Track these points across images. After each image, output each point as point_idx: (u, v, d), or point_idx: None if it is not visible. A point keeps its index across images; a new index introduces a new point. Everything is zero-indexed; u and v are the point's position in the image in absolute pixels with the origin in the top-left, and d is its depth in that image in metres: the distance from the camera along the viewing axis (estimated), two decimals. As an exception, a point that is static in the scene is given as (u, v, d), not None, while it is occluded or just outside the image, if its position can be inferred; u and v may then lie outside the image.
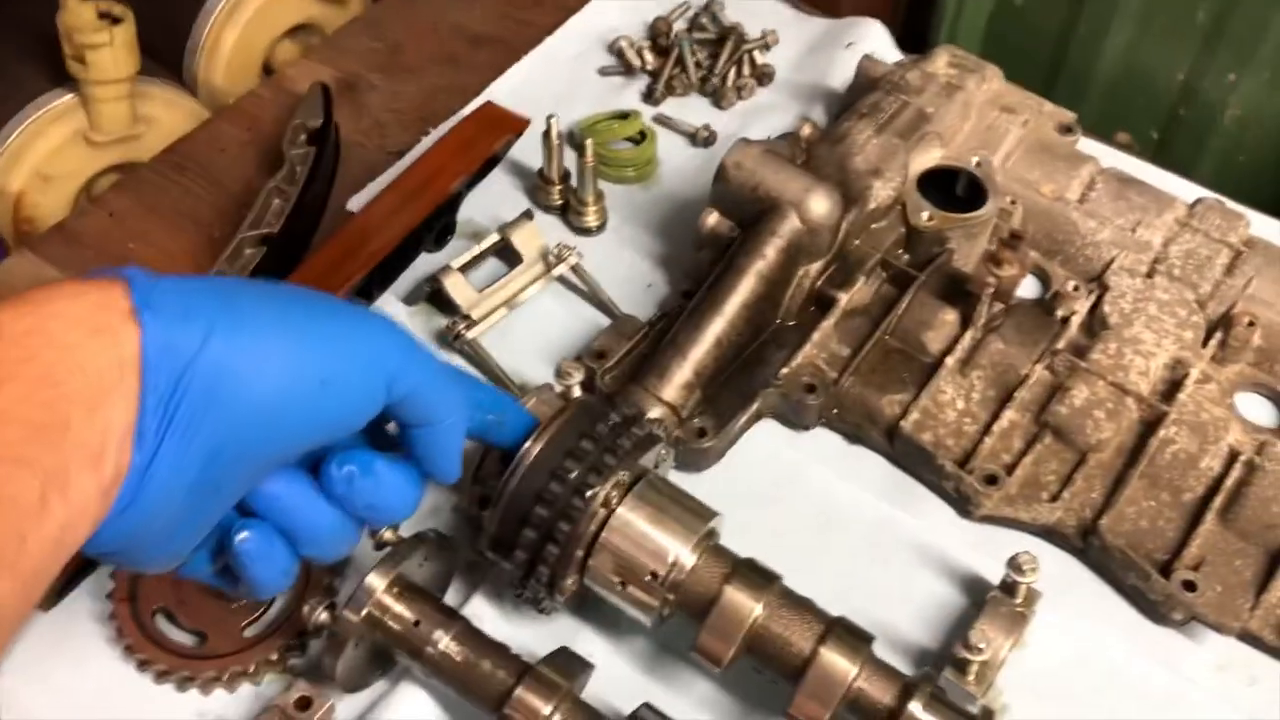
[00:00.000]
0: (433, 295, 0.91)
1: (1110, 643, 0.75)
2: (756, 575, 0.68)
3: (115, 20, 1.10)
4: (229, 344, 0.52)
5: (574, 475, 0.67)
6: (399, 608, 0.67)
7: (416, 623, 0.67)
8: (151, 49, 1.18)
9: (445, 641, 0.67)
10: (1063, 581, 0.78)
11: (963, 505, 0.80)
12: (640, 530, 0.68)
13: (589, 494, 0.66)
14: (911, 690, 0.64)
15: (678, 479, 0.78)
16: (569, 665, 0.68)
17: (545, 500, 0.67)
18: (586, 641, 0.74)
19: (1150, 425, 0.80)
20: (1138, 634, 0.76)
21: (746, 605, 0.66)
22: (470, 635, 0.68)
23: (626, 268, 0.95)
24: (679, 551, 0.68)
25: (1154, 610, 0.76)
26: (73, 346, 0.49)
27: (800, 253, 0.84)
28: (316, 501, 0.60)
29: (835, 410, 0.84)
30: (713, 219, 0.88)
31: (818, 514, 0.81)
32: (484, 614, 0.74)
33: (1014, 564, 0.72)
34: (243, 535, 0.58)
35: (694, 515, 0.69)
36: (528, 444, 0.68)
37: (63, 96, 1.14)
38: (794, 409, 0.84)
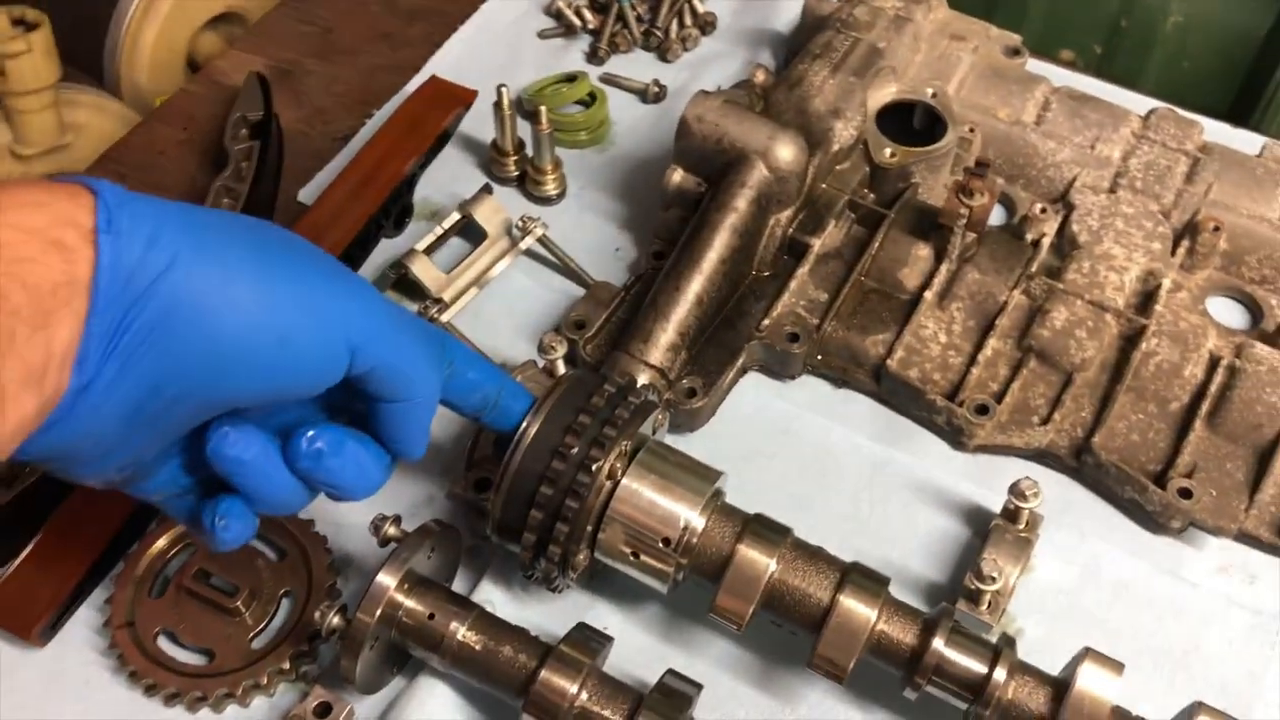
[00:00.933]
0: (399, 281, 0.89)
1: (1113, 557, 0.76)
2: (768, 530, 0.68)
3: (31, 26, 1.05)
4: (188, 282, 0.50)
5: (576, 451, 0.66)
6: (412, 603, 0.66)
7: (431, 616, 0.66)
8: (69, 54, 1.14)
9: (462, 632, 0.66)
10: (1062, 503, 0.79)
11: (955, 438, 0.81)
12: (648, 499, 0.67)
13: (594, 468, 0.66)
14: (933, 627, 0.65)
15: (671, 442, 0.77)
16: (589, 641, 0.67)
17: (550, 479, 0.66)
18: (602, 614, 0.73)
19: (1131, 339, 0.81)
20: (1140, 545, 0.77)
21: (761, 561, 0.66)
22: (487, 622, 0.67)
23: (592, 234, 0.94)
24: (688, 515, 0.67)
25: (1152, 521, 0.77)
26: (25, 260, 0.46)
27: (771, 202, 0.84)
28: (280, 472, 0.58)
29: (820, 356, 0.84)
30: (678, 176, 0.87)
31: (813, 461, 0.81)
32: (495, 598, 0.73)
33: (1016, 490, 0.72)
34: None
35: (699, 477, 0.68)
36: (525, 424, 0.67)
37: (-17, 111, 1.09)
38: (779, 359, 0.83)
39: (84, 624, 0.73)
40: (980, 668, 0.64)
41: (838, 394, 0.85)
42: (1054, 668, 0.65)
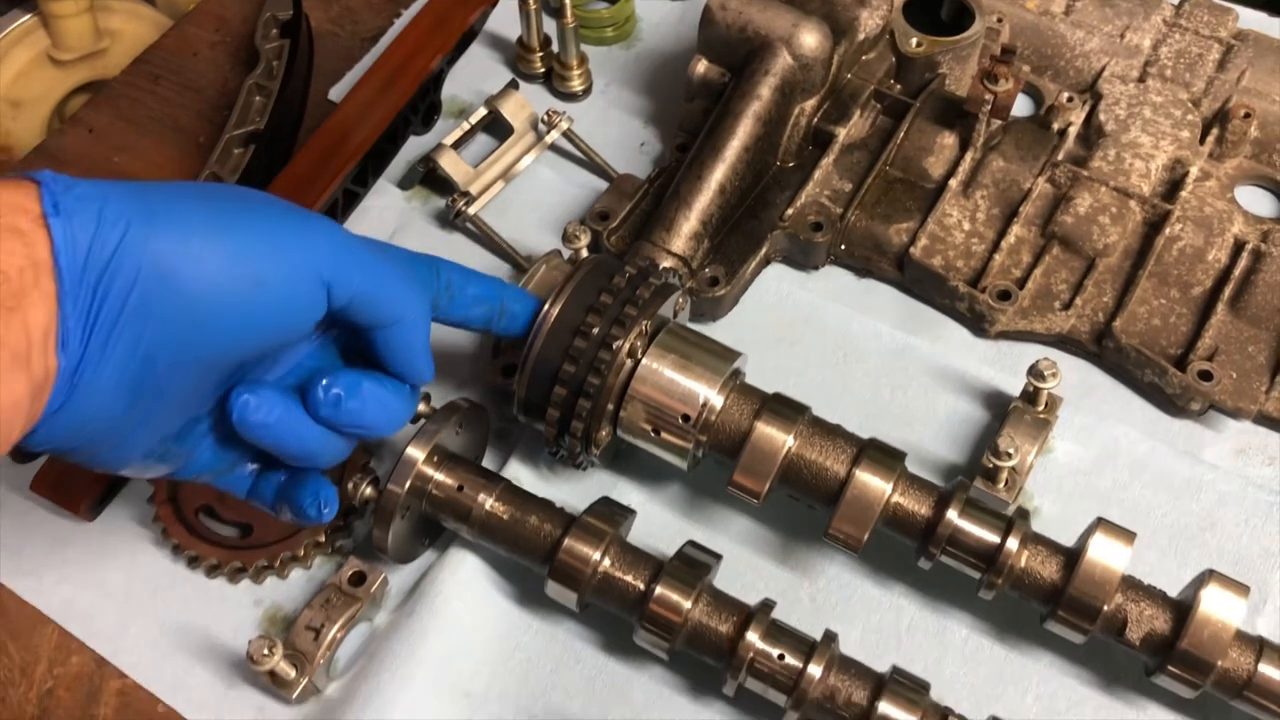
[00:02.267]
0: (427, 176, 0.90)
1: (1133, 439, 0.77)
2: (786, 408, 0.69)
3: (63, -67, 1.07)
4: (149, 247, 0.51)
5: (597, 330, 0.67)
6: (440, 475, 0.68)
7: (460, 487, 0.68)
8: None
9: (490, 502, 0.68)
10: (1082, 387, 0.79)
11: (978, 324, 0.81)
12: (668, 377, 0.68)
13: (614, 345, 0.67)
14: (947, 499, 0.66)
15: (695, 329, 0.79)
16: (612, 513, 0.69)
17: (572, 357, 0.67)
18: (625, 493, 0.75)
19: (1155, 225, 0.81)
20: (1158, 428, 0.77)
21: (779, 437, 0.68)
22: (514, 494, 0.69)
23: (617, 129, 0.94)
24: (707, 393, 0.68)
25: (1172, 404, 0.77)
26: None
27: (795, 90, 0.84)
28: (308, 427, 0.60)
29: (843, 246, 0.84)
30: (702, 66, 0.87)
31: (836, 349, 0.82)
32: (522, 476, 0.75)
33: (1034, 371, 0.73)
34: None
35: (718, 357, 0.70)
36: (547, 305, 0.69)
37: (21, 18, 1.11)
38: (802, 249, 0.84)
39: (130, 500, 0.76)
40: (993, 538, 0.65)
41: (861, 284, 0.85)
42: (1069, 543, 0.66)
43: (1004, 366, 0.80)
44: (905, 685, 0.63)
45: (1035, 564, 0.65)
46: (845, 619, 0.70)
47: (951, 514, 0.65)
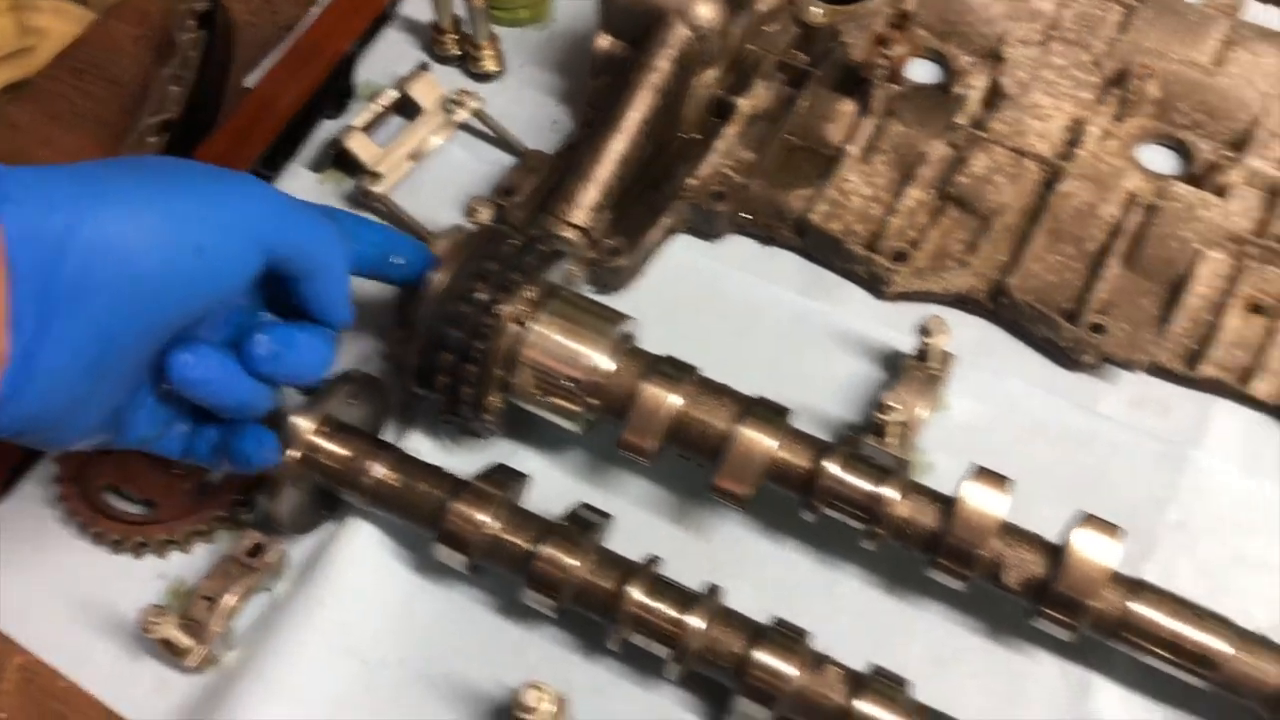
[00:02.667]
0: (338, 159, 0.91)
1: (1029, 394, 0.77)
2: (673, 368, 0.70)
3: (-15, -69, 1.08)
4: (97, 226, 0.53)
5: (483, 295, 0.68)
6: (331, 445, 0.69)
7: (351, 457, 0.69)
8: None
9: (381, 470, 0.69)
10: (981, 346, 0.80)
11: (876, 286, 0.82)
12: (556, 341, 0.69)
13: (498, 310, 0.68)
14: (830, 452, 0.67)
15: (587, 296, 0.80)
16: (504, 478, 0.70)
17: (457, 323, 0.68)
18: (524, 460, 0.76)
19: (1050, 183, 0.82)
20: (1054, 383, 0.78)
21: (666, 396, 0.68)
22: (405, 462, 0.70)
23: (530, 109, 0.95)
24: (596, 357, 0.69)
25: (1067, 358, 0.78)
26: None
27: (693, 61, 0.85)
28: (243, 380, 0.62)
29: (746, 215, 0.85)
30: (605, 41, 0.88)
31: (739, 317, 0.83)
32: (421, 448, 0.76)
33: (923, 328, 0.74)
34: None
35: (607, 321, 0.71)
36: (436, 274, 0.70)
37: (-54, 20, 1.12)
38: (705, 218, 0.85)
39: (36, 480, 0.77)
40: (872, 488, 0.66)
41: (765, 251, 0.86)
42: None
43: (903, 328, 0.80)
44: (784, 634, 0.63)
45: (914, 513, 0.66)
46: (739, 575, 0.71)
47: (832, 466, 0.66)
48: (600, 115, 0.85)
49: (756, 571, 0.72)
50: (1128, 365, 0.76)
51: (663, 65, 0.83)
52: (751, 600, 0.70)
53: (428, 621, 0.71)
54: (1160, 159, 0.87)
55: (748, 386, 0.71)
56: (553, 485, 0.75)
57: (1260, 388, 0.75)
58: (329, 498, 0.73)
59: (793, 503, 0.69)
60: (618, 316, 0.71)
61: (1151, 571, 0.69)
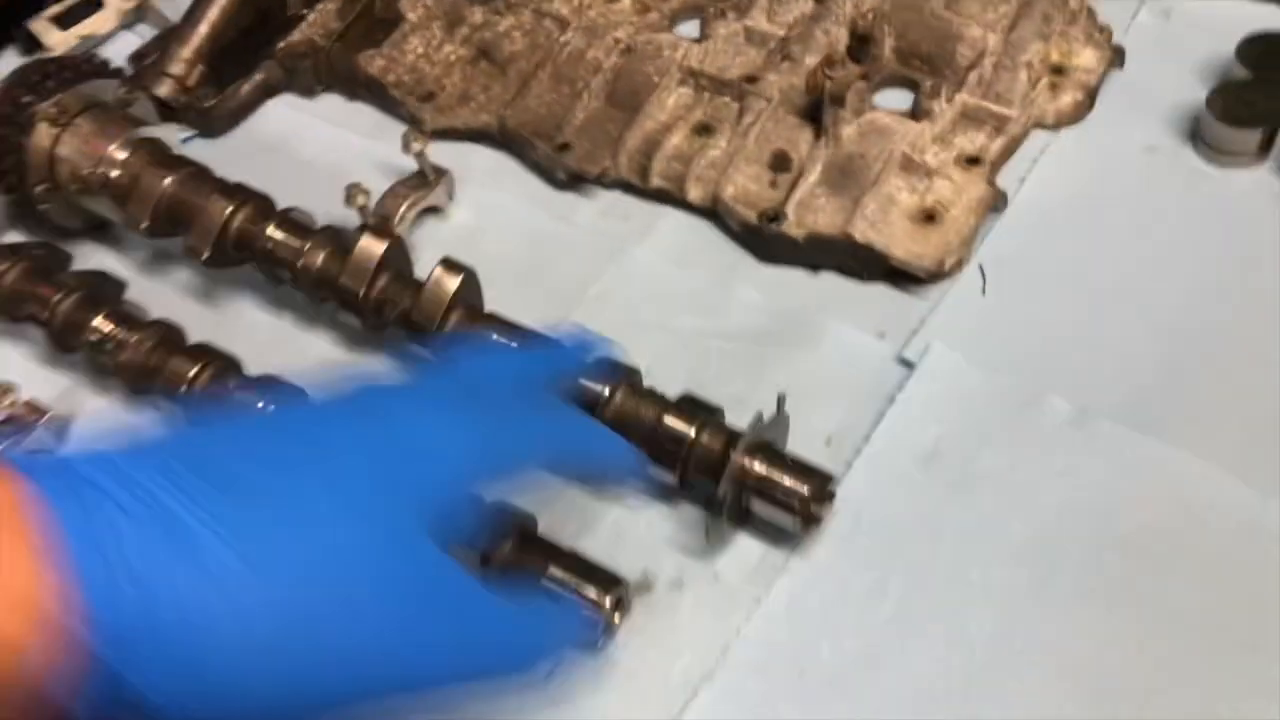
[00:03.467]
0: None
1: (517, 207, 0.91)
2: (174, 160, 0.85)
3: None
4: (185, 604, 0.37)
5: (26, 99, 0.85)
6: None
7: None
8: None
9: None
10: (489, 172, 0.94)
11: (418, 125, 0.97)
12: (84, 136, 0.86)
13: (32, 108, 0.85)
14: (281, 223, 0.82)
15: (197, 146, 0.97)
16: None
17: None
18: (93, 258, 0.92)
19: (557, 37, 0.96)
20: (542, 199, 0.91)
21: (162, 180, 0.84)
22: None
23: None
24: (116, 152, 0.85)
25: (550, 177, 0.91)
26: None
27: (286, -52, 1.01)
28: None
29: (328, 73, 1.01)
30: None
31: (311, 158, 0.98)
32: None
33: (403, 139, 0.88)
34: None
35: (134, 122, 0.87)
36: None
37: None
38: (295, 77, 1.01)
39: None
40: (299, 243, 0.80)
41: (351, 106, 1.02)
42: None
43: (436, 156, 0.94)
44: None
45: (318, 259, 0.79)
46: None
47: (270, 228, 0.81)
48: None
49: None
50: (592, 179, 0.89)
51: (257, -52, 1.00)
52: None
53: None
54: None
55: (293, 201, 0.85)
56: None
57: (693, 193, 0.87)
58: None
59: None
60: (139, 122, 0.87)
61: (562, 328, 0.81)
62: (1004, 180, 0.85)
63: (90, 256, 0.92)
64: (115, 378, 0.80)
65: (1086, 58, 0.88)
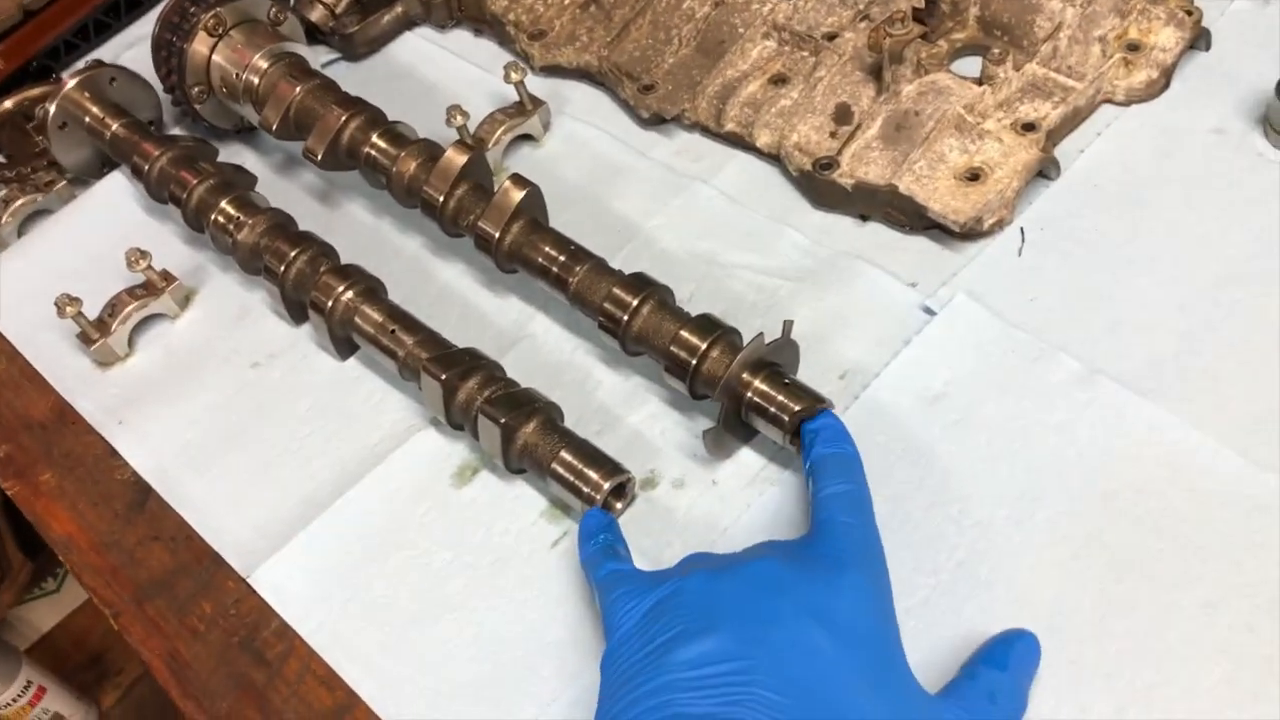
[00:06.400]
0: None
1: (600, 139, 0.99)
2: (308, 73, 0.97)
3: None
4: None
5: (190, 10, 0.99)
6: (95, 108, 1.01)
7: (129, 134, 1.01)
8: None
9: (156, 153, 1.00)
10: (586, 107, 1.02)
11: (527, 60, 1.05)
12: (238, 45, 0.99)
13: (194, 17, 0.98)
14: (388, 134, 0.92)
15: (338, 68, 1.09)
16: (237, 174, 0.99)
17: (167, 25, 0.99)
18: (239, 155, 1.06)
19: (658, -13, 1.03)
20: (625, 135, 0.99)
21: (292, 86, 0.96)
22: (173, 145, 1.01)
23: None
24: (256, 58, 0.98)
25: (636, 114, 0.99)
26: None
27: (435, -107, 1.12)
28: None
29: (460, 8, 1.11)
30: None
31: (439, 88, 1.08)
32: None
33: (505, 70, 0.97)
34: None
35: (280, 38, 0.99)
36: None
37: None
38: (432, 11, 1.12)
39: None
40: (395, 150, 0.90)
41: (476, 42, 1.12)
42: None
43: (540, 91, 1.03)
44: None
45: (410, 167, 0.89)
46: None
47: (375, 136, 0.91)
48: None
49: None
50: (670, 118, 0.96)
51: (411, -108, 1.11)
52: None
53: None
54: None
55: (413, 123, 0.95)
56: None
57: (762, 139, 0.93)
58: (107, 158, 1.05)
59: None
60: (286, 38, 0.99)
61: (619, 259, 0.89)
62: (1064, 150, 0.87)
63: (235, 154, 1.06)
64: (233, 255, 0.93)
65: (1165, 37, 0.88)
